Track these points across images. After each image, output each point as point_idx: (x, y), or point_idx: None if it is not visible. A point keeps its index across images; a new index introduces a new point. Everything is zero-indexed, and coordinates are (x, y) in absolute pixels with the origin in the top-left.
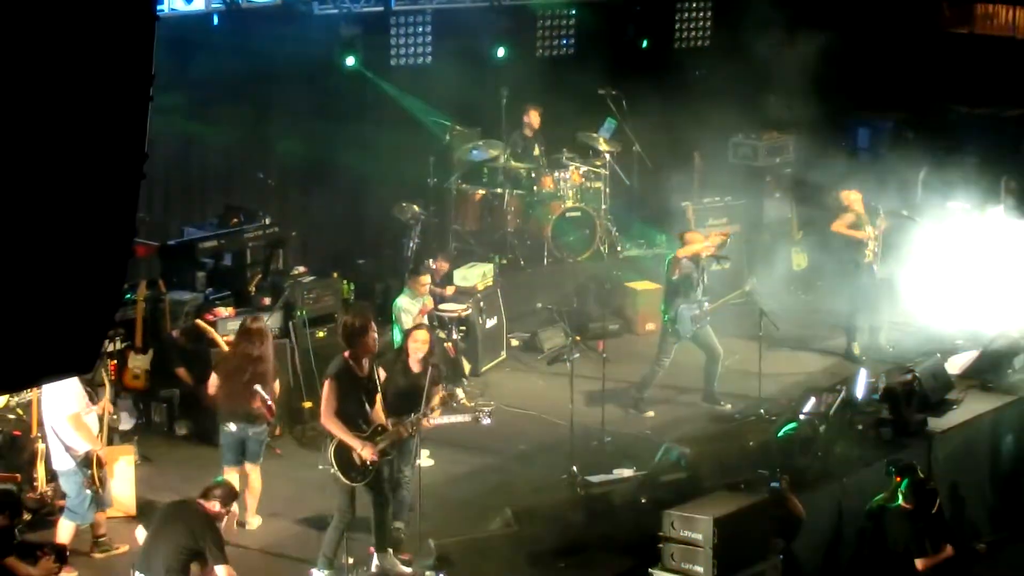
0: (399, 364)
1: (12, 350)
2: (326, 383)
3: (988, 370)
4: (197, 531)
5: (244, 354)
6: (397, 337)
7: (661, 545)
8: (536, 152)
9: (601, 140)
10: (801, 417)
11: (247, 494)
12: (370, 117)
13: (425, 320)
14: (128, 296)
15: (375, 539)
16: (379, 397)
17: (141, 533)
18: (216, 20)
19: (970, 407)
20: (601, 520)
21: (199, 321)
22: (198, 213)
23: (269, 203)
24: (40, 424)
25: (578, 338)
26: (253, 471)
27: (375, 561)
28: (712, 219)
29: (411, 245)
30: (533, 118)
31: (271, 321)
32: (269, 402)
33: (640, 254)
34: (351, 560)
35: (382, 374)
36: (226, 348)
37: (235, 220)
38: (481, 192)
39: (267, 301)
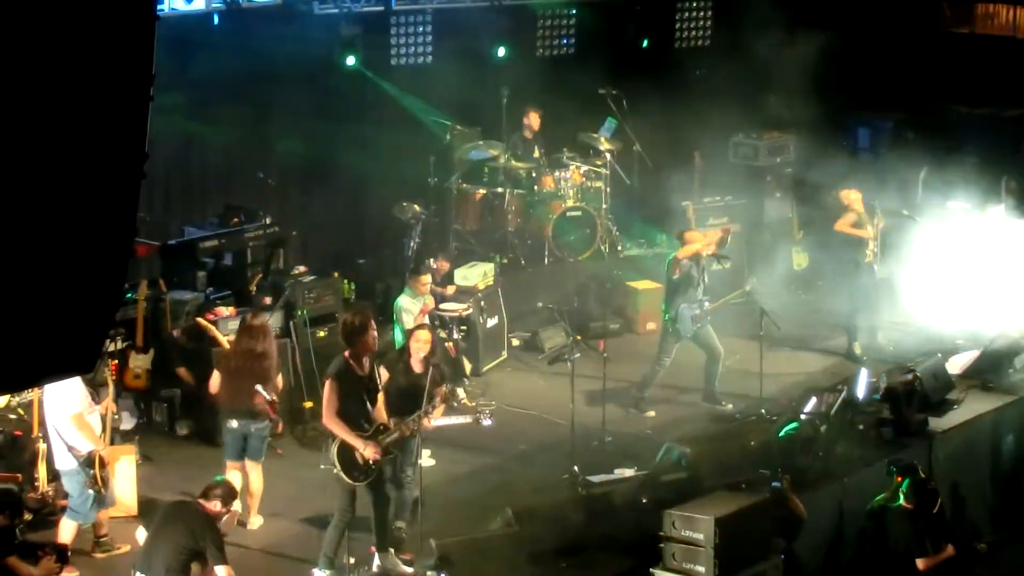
0: (401, 364)
1: (13, 350)
2: (327, 383)
3: (989, 370)
4: (197, 531)
5: (247, 350)
6: (398, 337)
7: (662, 545)
8: (536, 154)
9: (602, 139)
10: (802, 417)
11: (248, 493)
12: (370, 117)
13: (426, 320)
14: (129, 296)
15: (376, 539)
16: (381, 396)
17: (141, 533)
18: (216, 20)
19: (971, 407)
20: (602, 520)
21: (200, 319)
22: (199, 213)
23: (270, 203)
24: (41, 424)
25: (579, 338)
26: (254, 470)
27: (376, 561)
28: (713, 218)
29: (412, 245)
30: (533, 120)
31: (272, 321)
32: (272, 398)
33: (641, 253)
34: (352, 560)
35: (384, 374)
36: (227, 347)
37: (236, 220)
38: (482, 192)
39: (268, 301)
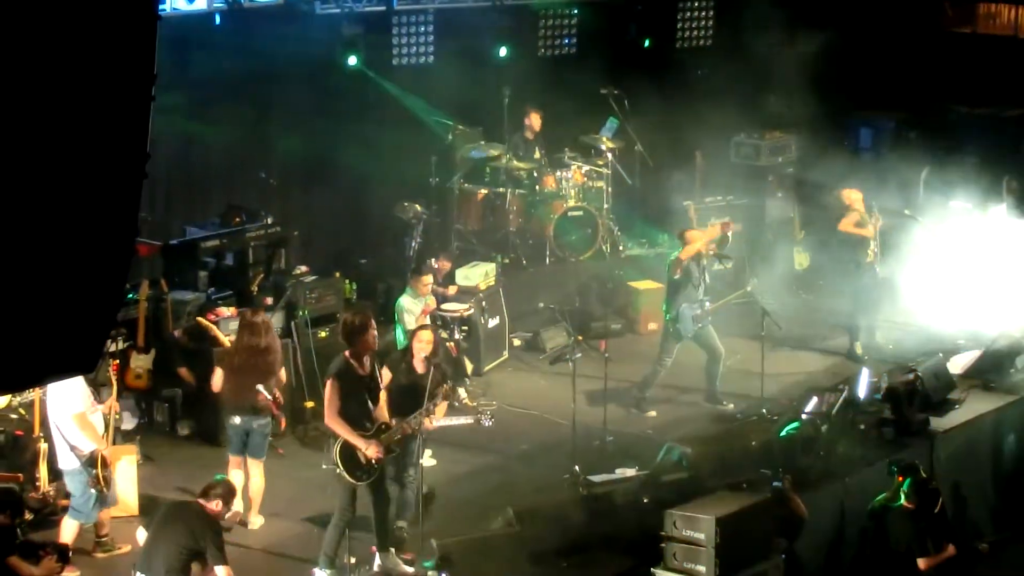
0: (404, 364)
1: (15, 350)
2: (328, 383)
3: (990, 370)
4: (197, 531)
5: (251, 346)
6: (400, 337)
7: (663, 545)
8: (537, 155)
9: (604, 138)
10: (803, 417)
11: (249, 493)
12: (372, 116)
13: (427, 320)
14: (130, 296)
15: (377, 538)
16: (383, 395)
17: (142, 534)
18: (218, 20)
19: (972, 407)
20: (603, 520)
21: (201, 319)
22: (200, 212)
23: (271, 202)
24: (42, 424)
25: (580, 338)
26: (255, 468)
27: (377, 560)
28: (714, 218)
29: (413, 245)
30: (534, 120)
31: (273, 321)
32: (276, 395)
33: (642, 253)
34: (353, 559)
35: (387, 374)
36: (229, 346)
37: (237, 219)
38: (483, 191)
39: (269, 301)
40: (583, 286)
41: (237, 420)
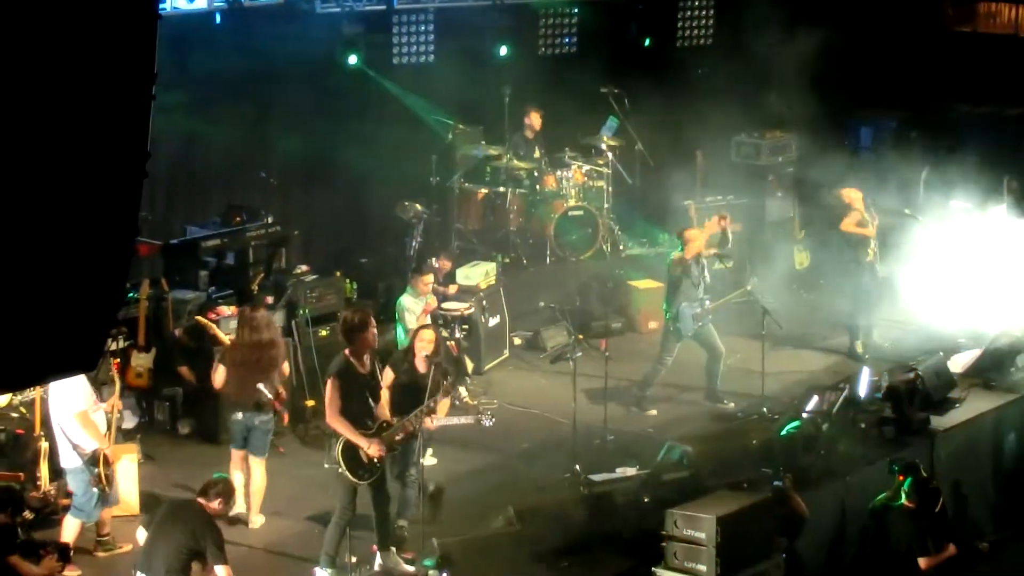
0: (405, 363)
1: (16, 348)
2: (328, 382)
3: (990, 369)
4: (198, 531)
5: (252, 341)
6: (400, 336)
7: (664, 544)
8: (537, 154)
9: (604, 138)
10: (804, 416)
11: (250, 491)
12: (372, 116)
13: (428, 319)
14: (131, 295)
15: (378, 537)
16: (384, 393)
17: (142, 533)
18: (218, 19)
19: (972, 406)
20: (604, 519)
21: (201, 318)
22: (200, 212)
23: (271, 202)
24: (43, 422)
25: (580, 337)
26: (257, 466)
27: (378, 559)
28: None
29: (414, 244)
30: (534, 120)
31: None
32: (279, 390)
33: (642, 252)
34: (354, 558)
35: (389, 374)
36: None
37: (237, 219)
38: (484, 191)
39: (270, 300)
40: (583, 285)
41: (239, 416)
